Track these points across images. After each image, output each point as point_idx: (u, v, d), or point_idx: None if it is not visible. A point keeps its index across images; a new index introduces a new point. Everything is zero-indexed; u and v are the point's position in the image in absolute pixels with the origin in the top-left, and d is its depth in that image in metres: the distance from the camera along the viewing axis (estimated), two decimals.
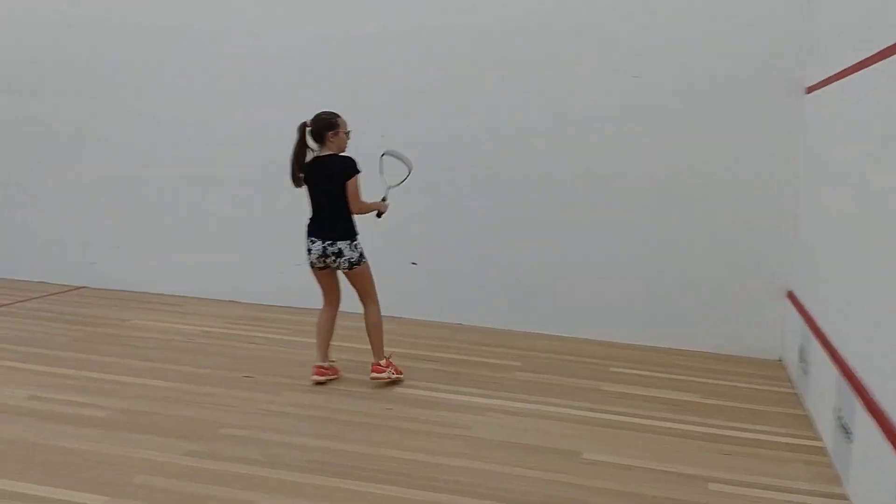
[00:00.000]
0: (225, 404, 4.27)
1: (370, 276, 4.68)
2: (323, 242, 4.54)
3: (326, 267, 4.61)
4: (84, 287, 6.97)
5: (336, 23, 6.23)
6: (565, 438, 3.97)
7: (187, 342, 5.43)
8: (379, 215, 4.77)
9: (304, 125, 4.58)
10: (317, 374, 4.63)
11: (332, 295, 4.74)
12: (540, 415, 4.29)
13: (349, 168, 4.53)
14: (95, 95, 6.83)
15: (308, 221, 4.63)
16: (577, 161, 5.86)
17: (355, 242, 4.58)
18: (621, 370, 5.18)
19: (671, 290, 5.75)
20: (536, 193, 5.97)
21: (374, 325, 4.68)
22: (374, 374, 4.64)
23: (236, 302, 6.61)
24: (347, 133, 4.61)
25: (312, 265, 4.64)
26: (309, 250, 4.60)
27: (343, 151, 4.60)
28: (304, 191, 4.63)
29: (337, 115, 4.59)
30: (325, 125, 4.53)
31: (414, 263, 6.28)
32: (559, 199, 5.92)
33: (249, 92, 6.50)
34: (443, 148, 6.09)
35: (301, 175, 4.57)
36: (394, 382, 4.66)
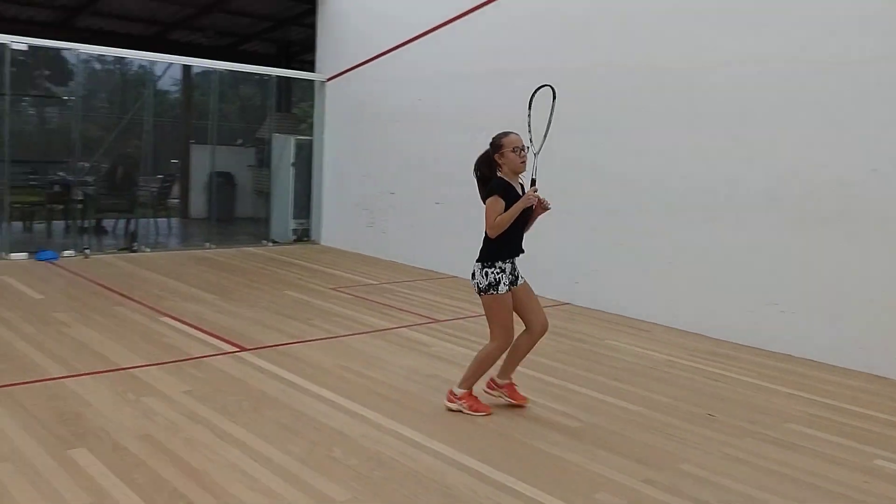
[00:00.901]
0: (685, 438, 4.04)
1: (496, 310, 4.10)
2: None
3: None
4: (568, 304, 7.43)
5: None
6: None
7: (653, 368, 5.33)
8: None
9: None
10: (486, 385, 4.39)
11: (522, 317, 4.23)
12: None
13: (488, 190, 4.05)
14: (595, 134, 7.24)
15: None
16: None
17: (486, 269, 4.08)
18: None
19: None
20: None
21: (481, 357, 4.18)
22: (447, 402, 4.25)
23: (702, 335, 6.30)
24: (515, 150, 4.01)
25: None
26: None
27: (519, 171, 4.08)
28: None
29: (504, 135, 4.05)
30: (492, 149, 4.09)
31: None
32: None
33: (727, 127, 6.16)
34: None
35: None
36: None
